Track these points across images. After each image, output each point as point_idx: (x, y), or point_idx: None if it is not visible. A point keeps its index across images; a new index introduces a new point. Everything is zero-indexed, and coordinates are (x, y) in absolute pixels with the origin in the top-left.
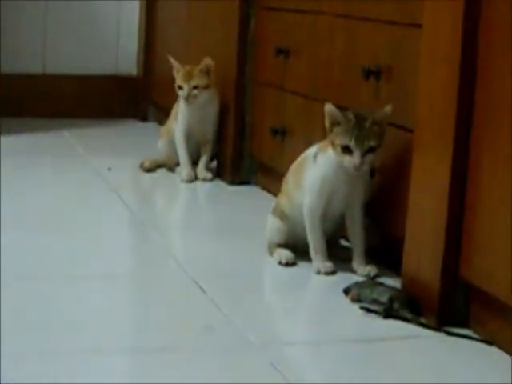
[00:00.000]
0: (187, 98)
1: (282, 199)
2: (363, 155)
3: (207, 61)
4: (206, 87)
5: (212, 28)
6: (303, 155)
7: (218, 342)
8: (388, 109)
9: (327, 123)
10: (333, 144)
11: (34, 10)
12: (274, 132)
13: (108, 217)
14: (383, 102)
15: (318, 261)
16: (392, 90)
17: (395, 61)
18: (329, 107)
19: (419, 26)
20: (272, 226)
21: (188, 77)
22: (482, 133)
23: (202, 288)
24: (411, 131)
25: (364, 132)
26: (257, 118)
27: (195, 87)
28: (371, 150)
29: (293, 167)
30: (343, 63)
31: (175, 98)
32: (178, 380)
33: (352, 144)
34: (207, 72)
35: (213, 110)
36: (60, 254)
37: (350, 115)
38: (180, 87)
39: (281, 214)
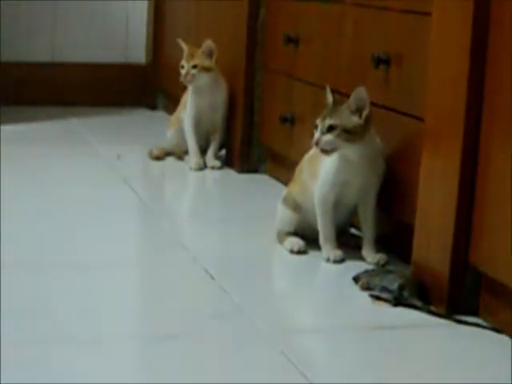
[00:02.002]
0: (185, 77)
1: (295, 189)
2: (322, 133)
3: (208, 43)
4: (208, 69)
5: (221, 15)
6: None
7: (228, 329)
8: (358, 89)
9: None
10: None
11: None
12: (284, 120)
13: (117, 205)
14: (393, 90)
15: (328, 249)
16: (402, 79)
17: (405, 49)
18: (327, 90)
19: (429, 14)
20: (283, 216)
21: (189, 57)
22: (492, 119)
23: (212, 276)
24: (421, 119)
25: (330, 112)
26: (266, 105)
27: (194, 66)
28: (330, 128)
29: (307, 157)
30: (353, 51)
31: (184, 87)
32: (187, 367)
33: (317, 122)
34: (209, 54)
35: (221, 98)
36: (69, 243)
37: (335, 98)
38: (182, 67)
39: (293, 204)
